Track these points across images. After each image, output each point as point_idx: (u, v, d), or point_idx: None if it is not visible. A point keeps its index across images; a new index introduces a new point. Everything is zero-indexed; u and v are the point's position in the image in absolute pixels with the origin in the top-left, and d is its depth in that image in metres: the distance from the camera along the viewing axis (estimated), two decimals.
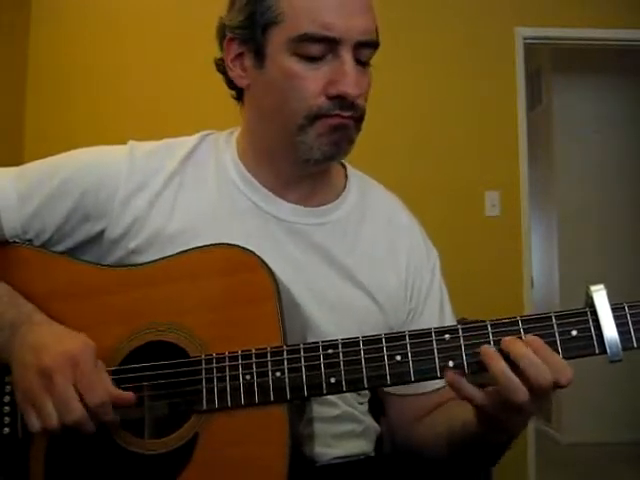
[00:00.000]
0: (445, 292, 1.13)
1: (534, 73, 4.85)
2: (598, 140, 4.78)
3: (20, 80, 3.39)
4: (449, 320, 1.10)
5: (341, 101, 0.94)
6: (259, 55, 0.97)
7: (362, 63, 0.96)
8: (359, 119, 0.97)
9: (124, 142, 1.07)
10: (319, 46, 0.93)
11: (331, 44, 0.93)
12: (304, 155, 0.97)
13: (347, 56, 0.93)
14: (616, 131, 4.80)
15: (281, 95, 0.96)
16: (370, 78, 0.99)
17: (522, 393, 0.77)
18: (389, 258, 1.07)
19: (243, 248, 0.89)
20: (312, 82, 0.94)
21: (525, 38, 3.58)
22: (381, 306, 1.04)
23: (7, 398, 0.90)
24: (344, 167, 1.14)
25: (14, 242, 0.99)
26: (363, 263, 1.04)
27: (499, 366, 0.78)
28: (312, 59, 0.94)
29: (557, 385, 0.77)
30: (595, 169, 4.77)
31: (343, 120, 0.95)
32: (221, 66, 1.04)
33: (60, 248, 1.00)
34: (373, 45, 0.97)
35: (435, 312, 1.09)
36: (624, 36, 3.65)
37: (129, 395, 0.85)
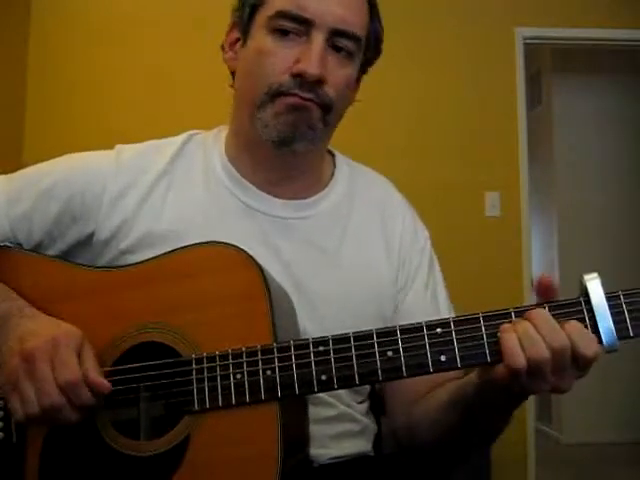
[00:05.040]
0: (438, 274, 1.11)
1: (534, 73, 4.86)
2: (598, 140, 4.77)
3: (20, 80, 3.39)
4: (442, 301, 1.09)
5: (301, 80, 0.94)
6: (245, 36, 1.00)
7: (341, 52, 0.97)
8: (325, 108, 0.97)
9: (125, 142, 1.08)
10: (292, 24, 0.95)
11: (305, 25, 0.94)
12: (262, 134, 0.97)
13: (318, 38, 0.94)
14: (616, 131, 4.79)
15: (250, 72, 0.98)
16: (349, 73, 0.99)
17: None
18: (381, 244, 1.07)
19: (233, 246, 0.88)
20: (279, 59, 0.95)
21: (525, 38, 3.58)
22: (376, 296, 1.04)
23: (0, 403, 0.90)
24: (332, 155, 1.13)
25: (6, 246, 0.99)
26: (354, 252, 1.04)
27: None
28: (284, 35, 0.95)
29: (575, 356, 0.75)
30: (595, 169, 4.77)
31: (302, 102, 0.95)
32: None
33: (52, 252, 1.00)
34: (351, 37, 0.97)
35: (421, 292, 1.08)
36: (624, 36, 3.66)
37: (104, 383, 0.83)
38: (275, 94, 0.95)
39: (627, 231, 4.73)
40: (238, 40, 1.02)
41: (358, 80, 1.07)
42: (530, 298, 3.47)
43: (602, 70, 4.70)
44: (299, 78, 0.94)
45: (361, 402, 1.07)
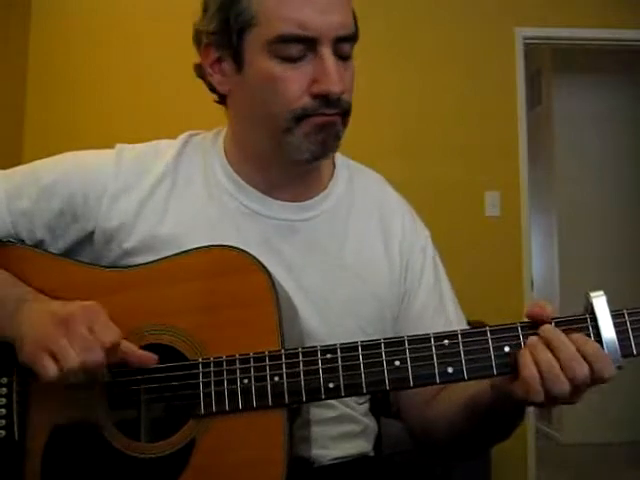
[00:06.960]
0: (441, 270, 1.12)
1: (534, 73, 4.85)
2: (598, 140, 4.78)
3: (20, 80, 3.39)
4: (448, 298, 1.09)
5: (325, 100, 0.93)
6: (237, 59, 0.96)
7: (343, 58, 0.95)
8: (345, 114, 0.97)
9: (125, 142, 1.08)
10: (298, 46, 0.92)
11: (309, 43, 0.92)
12: (293, 156, 0.97)
13: (327, 53, 0.92)
14: (616, 131, 4.79)
15: (264, 99, 0.95)
16: (353, 71, 0.98)
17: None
18: (380, 243, 1.07)
19: (240, 250, 0.89)
20: (294, 83, 0.93)
21: (525, 38, 3.59)
22: (376, 295, 1.04)
23: (3, 400, 0.90)
24: None
25: (9, 241, 0.99)
26: (355, 253, 1.04)
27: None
28: (292, 60, 0.92)
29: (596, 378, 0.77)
30: (595, 169, 4.77)
31: (329, 118, 0.94)
32: (200, 71, 1.03)
33: (54, 249, 1.00)
34: (352, 39, 0.96)
35: (431, 292, 1.08)
36: (624, 36, 3.66)
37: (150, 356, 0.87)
38: (300, 117, 0.94)
39: (627, 231, 4.72)
40: (219, 60, 0.99)
41: None
42: (530, 298, 3.48)
43: (602, 70, 4.69)
44: (323, 98, 0.93)
45: (362, 403, 1.07)
